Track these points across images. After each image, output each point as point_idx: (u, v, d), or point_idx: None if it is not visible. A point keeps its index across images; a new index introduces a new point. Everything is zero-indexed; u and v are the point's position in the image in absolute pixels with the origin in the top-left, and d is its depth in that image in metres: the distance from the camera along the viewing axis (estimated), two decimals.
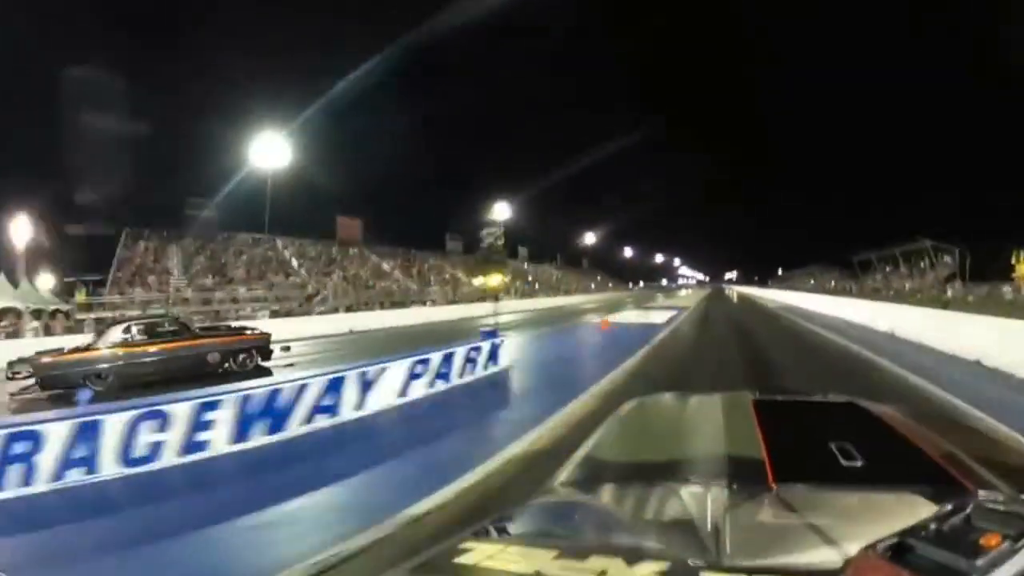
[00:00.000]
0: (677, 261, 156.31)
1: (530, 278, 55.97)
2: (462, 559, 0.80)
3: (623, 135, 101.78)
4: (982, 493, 0.96)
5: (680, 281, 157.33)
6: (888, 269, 43.15)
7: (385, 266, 39.20)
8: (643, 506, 1.13)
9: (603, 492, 1.24)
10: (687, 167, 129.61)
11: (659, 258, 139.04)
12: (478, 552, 0.82)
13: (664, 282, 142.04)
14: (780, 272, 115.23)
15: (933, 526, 0.61)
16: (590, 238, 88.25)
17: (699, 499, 1.04)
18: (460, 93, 65.86)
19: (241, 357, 10.72)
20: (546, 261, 69.66)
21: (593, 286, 67.60)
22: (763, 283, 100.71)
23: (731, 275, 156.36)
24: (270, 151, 34.36)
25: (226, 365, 10.42)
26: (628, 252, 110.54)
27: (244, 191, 33.05)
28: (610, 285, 76.59)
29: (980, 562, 0.52)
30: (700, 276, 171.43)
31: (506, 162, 69.39)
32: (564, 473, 1.35)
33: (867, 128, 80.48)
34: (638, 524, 1.03)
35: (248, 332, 11.79)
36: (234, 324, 14.83)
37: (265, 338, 11.53)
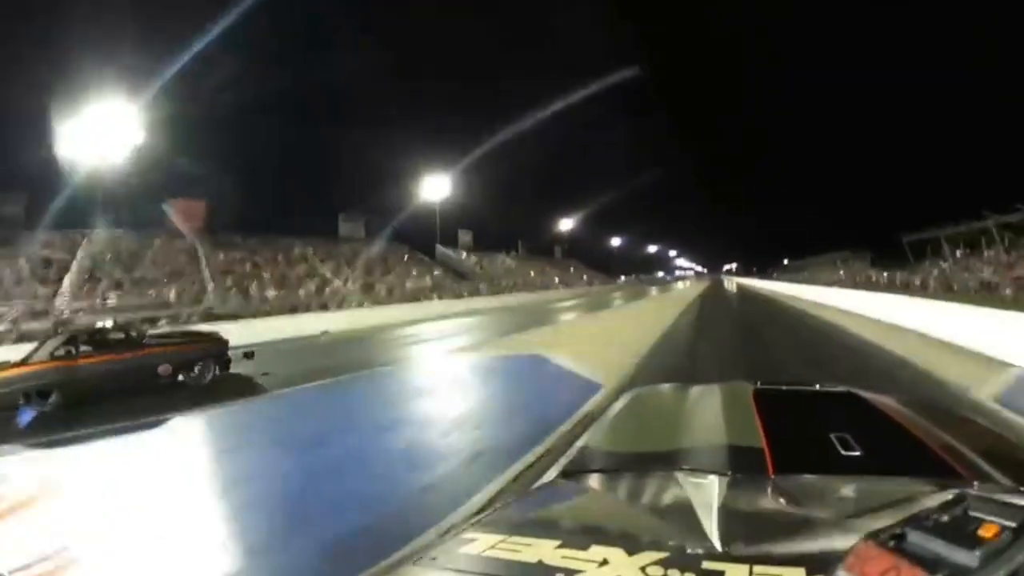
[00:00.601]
0: (673, 252, 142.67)
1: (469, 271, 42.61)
2: (464, 549, 0.81)
3: (607, 110, 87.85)
4: (979, 484, 0.97)
5: (678, 273, 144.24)
6: (960, 252, 29.57)
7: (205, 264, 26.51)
8: (643, 496, 1.13)
9: (603, 482, 1.23)
10: (683, 147, 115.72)
11: (652, 248, 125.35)
12: (480, 542, 0.83)
13: (660, 274, 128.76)
14: (786, 261, 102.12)
15: (932, 516, 0.62)
16: (567, 224, 75.22)
17: (699, 488, 1.03)
18: (389, 34, 52.20)
19: (197, 368, 9.47)
20: (503, 250, 56.34)
21: (558, 280, 53.88)
22: (764, 274, 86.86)
23: (730, 266, 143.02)
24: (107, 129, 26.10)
25: (180, 377, 9.29)
26: (616, 241, 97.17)
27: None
28: (584, 278, 62.89)
29: (979, 553, 0.53)
30: (698, 267, 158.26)
31: (447, 128, 55.37)
32: (564, 463, 1.34)
33: (897, 89, 66.26)
34: (638, 513, 1.05)
35: (203, 338, 10.25)
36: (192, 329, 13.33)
37: (221, 345, 10.06)
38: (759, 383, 1.83)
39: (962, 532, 0.57)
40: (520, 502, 1.17)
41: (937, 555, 0.54)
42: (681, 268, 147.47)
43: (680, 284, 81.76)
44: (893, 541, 0.58)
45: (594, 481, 1.23)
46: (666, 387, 2.14)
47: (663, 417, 1.77)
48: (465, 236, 51.46)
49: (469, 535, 0.86)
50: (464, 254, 49.21)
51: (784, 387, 1.96)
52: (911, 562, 0.54)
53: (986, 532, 0.56)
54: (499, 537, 0.84)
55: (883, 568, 0.54)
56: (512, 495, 1.32)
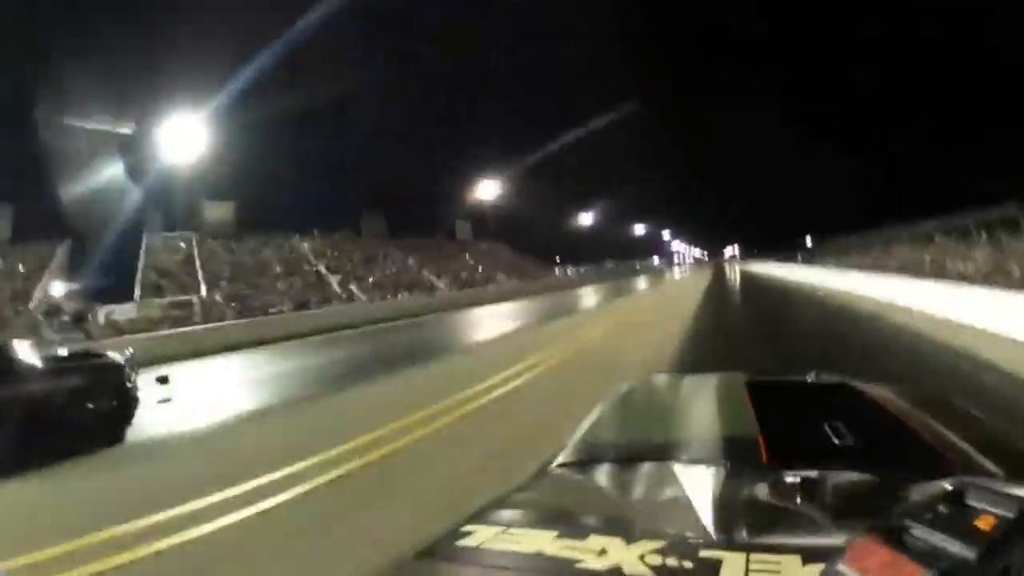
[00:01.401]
0: (668, 234, 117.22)
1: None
2: (464, 542, 0.82)
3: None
4: (975, 475, 0.98)
5: (677, 258, 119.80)
6: None
7: None
8: (640, 486, 1.14)
9: (600, 473, 1.23)
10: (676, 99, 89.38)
11: (640, 228, 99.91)
12: (479, 535, 0.84)
13: (655, 260, 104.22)
14: (809, 241, 77.17)
15: (930, 509, 0.63)
16: (490, 191, 50.50)
17: (695, 479, 1.04)
18: None
19: (92, 398, 6.33)
20: (316, 230, 32.69)
21: (372, 278, 29.63)
22: (781, 257, 61.96)
23: (731, 247, 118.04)
24: None
25: (70, 413, 6.11)
26: (588, 219, 72.47)
27: None
28: (480, 271, 38.82)
29: (977, 545, 0.54)
30: (697, 252, 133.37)
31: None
32: (561, 456, 1.35)
33: None
34: (635, 504, 1.06)
35: (100, 361, 6.84)
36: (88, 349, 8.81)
37: (115, 369, 6.61)
38: (752, 374, 1.83)
39: (960, 524, 0.57)
40: (518, 494, 1.14)
41: (936, 548, 0.55)
42: (678, 253, 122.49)
43: (677, 274, 56.94)
44: (889, 533, 0.58)
45: (591, 472, 1.24)
46: (661, 378, 2.17)
47: (658, 408, 1.80)
48: (216, 210, 27.91)
49: (468, 528, 0.87)
50: (182, 243, 25.50)
51: (778, 378, 1.97)
52: (910, 556, 0.54)
53: (984, 524, 0.56)
54: (498, 529, 0.85)
55: (882, 562, 0.54)
56: (510, 488, 1.11)
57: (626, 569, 0.69)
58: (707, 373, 1.94)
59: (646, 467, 1.18)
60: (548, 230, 62.65)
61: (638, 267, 79.60)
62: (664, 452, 1.23)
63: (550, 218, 63.43)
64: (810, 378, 1.78)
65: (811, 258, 48.44)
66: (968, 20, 39.75)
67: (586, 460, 1.31)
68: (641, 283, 41.32)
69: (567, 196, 66.72)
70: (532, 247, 53.56)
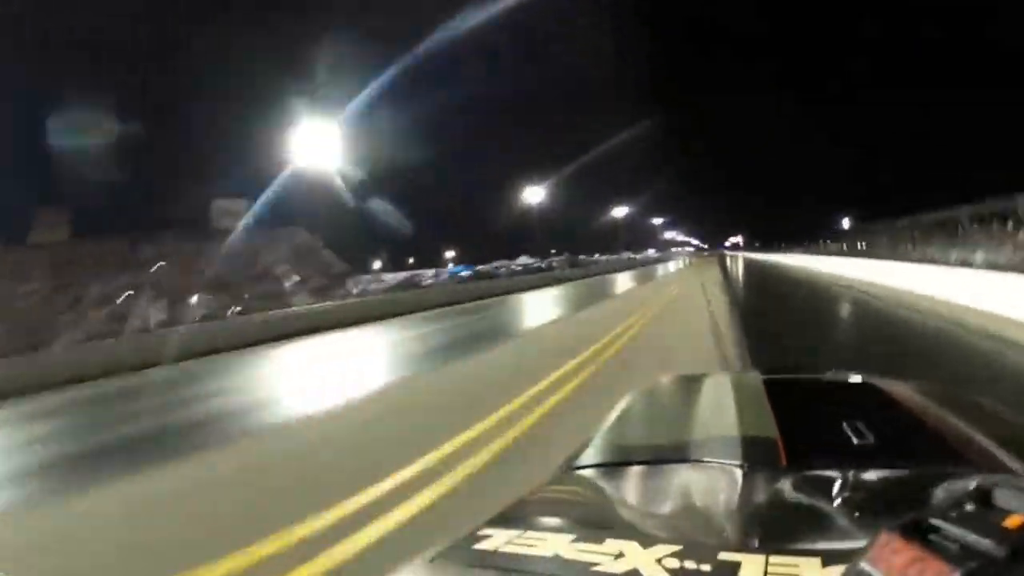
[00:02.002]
0: (660, 221, 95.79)
1: None
2: (481, 546, 0.82)
3: None
4: (1000, 474, 0.96)
5: (675, 249, 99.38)
6: None
7: None
8: (655, 488, 1.15)
9: (615, 475, 1.24)
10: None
11: (621, 211, 78.21)
12: (496, 539, 0.84)
13: (652, 252, 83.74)
14: (845, 226, 58.85)
15: (956, 507, 0.62)
16: (308, 150, 27.83)
17: (712, 481, 1.06)
18: None
19: None
20: None
21: None
22: (803, 249, 47.25)
23: (735, 239, 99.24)
24: None
25: None
26: (536, 197, 51.67)
27: None
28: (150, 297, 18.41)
29: (1004, 543, 0.52)
30: (697, 242, 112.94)
31: None
32: (575, 459, 1.35)
33: None
34: (651, 506, 1.07)
35: None
36: None
37: None
38: (769, 372, 1.83)
39: (988, 523, 0.55)
40: (533, 498, 1.13)
41: (962, 547, 0.53)
42: (676, 244, 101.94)
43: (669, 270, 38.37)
44: (917, 532, 0.56)
45: (605, 475, 1.24)
46: (675, 378, 2.15)
47: (673, 408, 1.79)
48: None
49: (484, 532, 0.87)
50: None
51: (796, 376, 1.94)
52: (936, 554, 0.53)
53: (1012, 523, 0.55)
54: (515, 533, 0.85)
55: (907, 560, 0.53)
56: (524, 491, 1.08)
57: (643, 572, 0.69)
58: (724, 372, 1.94)
59: (662, 469, 1.18)
60: (459, 211, 42.31)
61: (598, 258, 58.58)
62: (680, 453, 1.23)
63: (460, 191, 42.99)
64: (829, 376, 1.80)
65: (858, 249, 30.99)
66: (968, 20, 39.22)
67: (601, 463, 1.30)
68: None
69: (497, 163, 46.22)
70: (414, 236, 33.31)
